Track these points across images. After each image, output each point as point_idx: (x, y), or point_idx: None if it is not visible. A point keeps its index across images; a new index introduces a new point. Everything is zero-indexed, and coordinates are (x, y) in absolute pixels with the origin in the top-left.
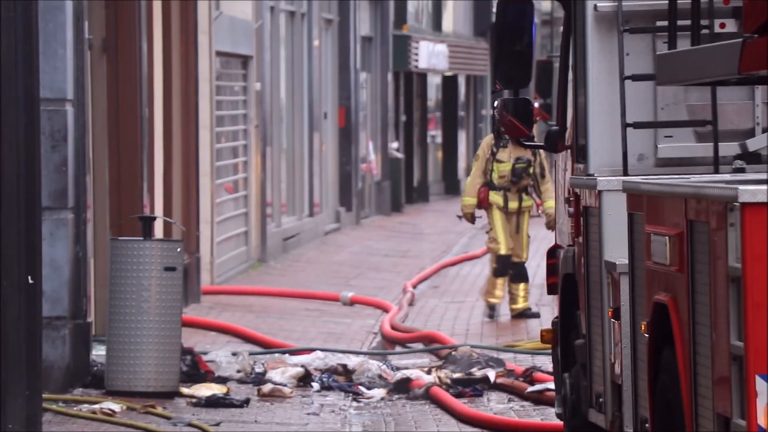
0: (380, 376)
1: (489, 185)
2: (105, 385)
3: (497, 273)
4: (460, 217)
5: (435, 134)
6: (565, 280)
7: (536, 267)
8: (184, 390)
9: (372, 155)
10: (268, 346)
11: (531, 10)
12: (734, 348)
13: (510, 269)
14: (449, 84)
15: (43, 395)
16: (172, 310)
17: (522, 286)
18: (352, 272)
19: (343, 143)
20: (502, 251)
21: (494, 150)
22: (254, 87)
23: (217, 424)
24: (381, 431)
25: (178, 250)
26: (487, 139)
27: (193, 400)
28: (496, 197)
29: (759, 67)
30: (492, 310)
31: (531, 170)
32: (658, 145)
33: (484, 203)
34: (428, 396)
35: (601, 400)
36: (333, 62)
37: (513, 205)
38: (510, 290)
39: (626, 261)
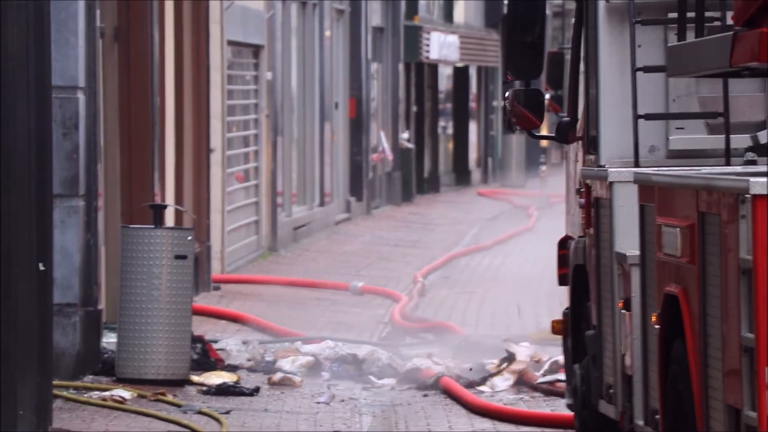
0: (390, 366)
1: None
2: (115, 373)
3: None
4: None
5: (446, 125)
6: (576, 271)
7: (546, 258)
8: (195, 378)
9: (385, 144)
10: (278, 335)
11: (543, 2)
12: (745, 340)
13: None
14: (460, 75)
15: (54, 382)
16: (182, 298)
17: None
18: (362, 262)
19: (354, 133)
20: None
21: None
22: (265, 77)
23: (227, 412)
24: (390, 421)
25: (189, 238)
26: None
27: (203, 388)
28: None
29: (748, 59)
30: None
31: None
32: (670, 137)
33: None
34: (438, 386)
35: (611, 391)
36: (344, 53)
37: None
38: None
39: (637, 252)
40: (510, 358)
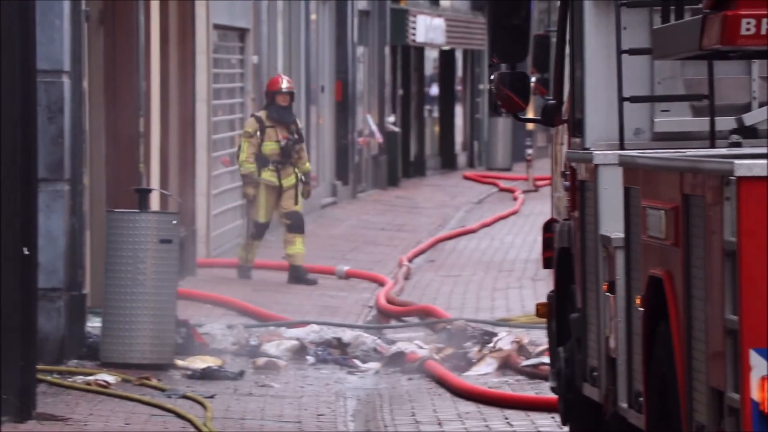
0: (375, 350)
1: None
2: (100, 357)
3: None
4: None
5: (432, 108)
6: (561, 254)
7: (532, 241)
8: (179, 362)
9: (374, 127)
10: (263, 319)
11: None
12: (729, 322)
13: None
14: (447, 58)
15: (38, 366)
16: (167, 282)
17: None
18: (348, 246)
19: (340, 117)
20: None
21: None
22: (251, 60)
23: (212, 397)
24: (375, 405)
25: (174, 222)
26: None
27: (188, 372)
28: None
29: (715, 42)
30: None
31: None
32: (655, 120)
33: None
34: (423, 370)
35: (595, 374)
36: (330, 36)
37: None
38: None
39: (622, 235)
40: (489, 340)
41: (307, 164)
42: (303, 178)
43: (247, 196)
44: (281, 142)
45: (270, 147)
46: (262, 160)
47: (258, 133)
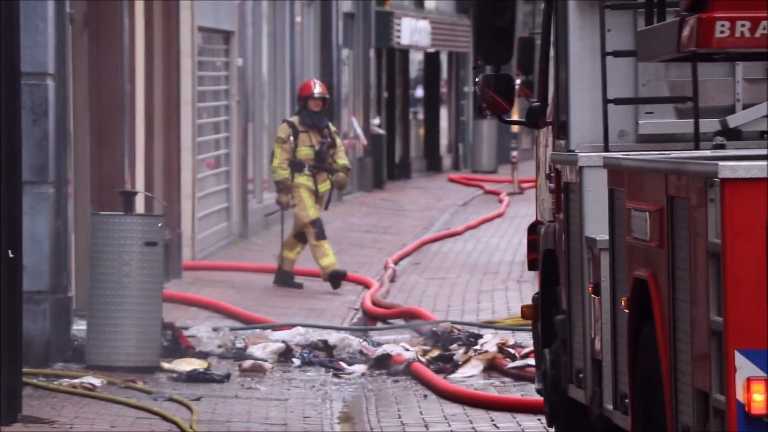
0: (361, 352)
1: None
2: (86, 360)
3: None
4: None
5: (417, 111)
6: (546, 256)
7: (517, 244)
8: (165, 365)
9: (359, 130)
10: (249, 322)
11: None
12: (713, 323)
13: None
14: (431, 60)
15: (24, 369)
16: (152, 285)
17: None
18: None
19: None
20: None
21: None
22: (236, 63)
23: (198, 399)
24: (361, 407)
25: (159, 225)
26: None
27: (174, 375)
28: None
29: (691, 45)
30: None
31: None
32: (639, 122)
33: None
34: (409, 372)
35: (581, 375)
36: (315, 38)
37: None
38: None
39: (606, 237)
40: (475, 342)
41: (344, 160)
42: (340, 169)
43: (281, 204)
44: (315, 146)
45: (305, 152)
46: (297, 165)
47: (291, 138)
